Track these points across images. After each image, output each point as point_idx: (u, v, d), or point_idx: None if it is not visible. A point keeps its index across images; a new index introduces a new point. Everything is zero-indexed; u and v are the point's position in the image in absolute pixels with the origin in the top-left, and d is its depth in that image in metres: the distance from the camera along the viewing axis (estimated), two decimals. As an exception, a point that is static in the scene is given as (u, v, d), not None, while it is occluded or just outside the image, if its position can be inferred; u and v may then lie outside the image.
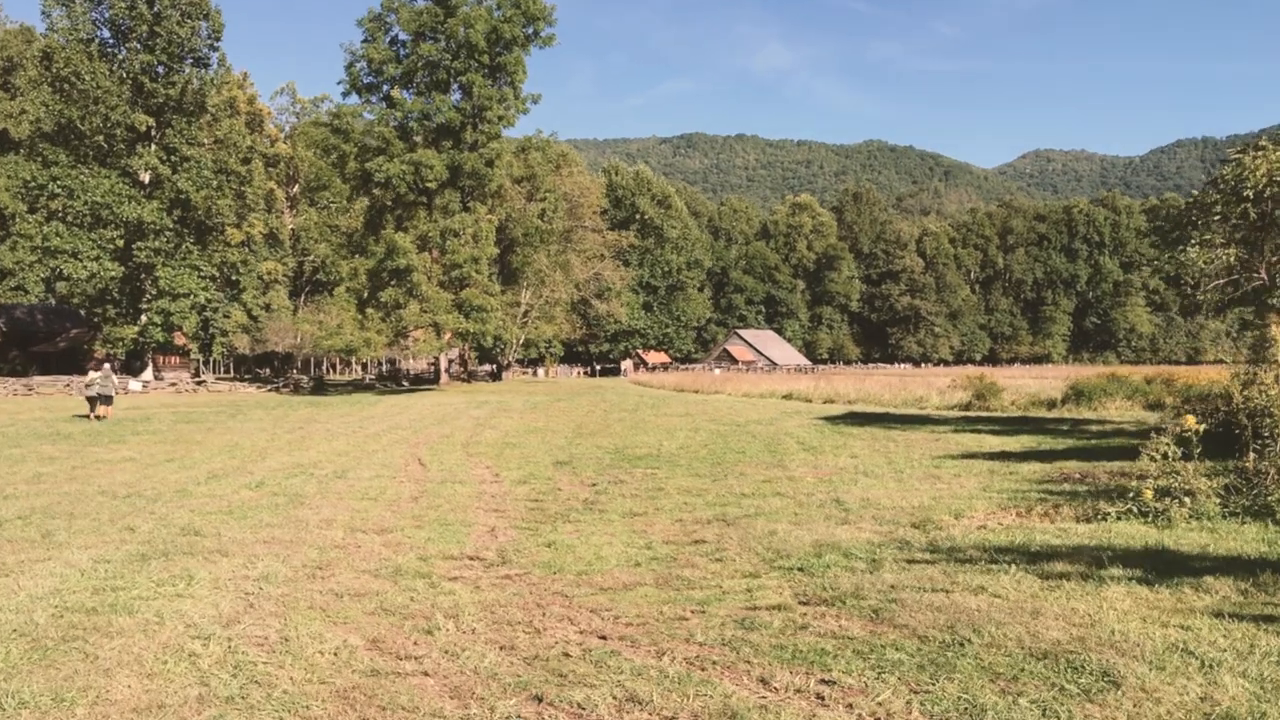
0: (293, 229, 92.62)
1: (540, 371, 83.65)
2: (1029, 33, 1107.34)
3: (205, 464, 18.20)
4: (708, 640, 6.10)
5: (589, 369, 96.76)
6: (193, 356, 64.24)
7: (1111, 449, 17.43)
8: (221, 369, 77.95)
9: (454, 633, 6.43)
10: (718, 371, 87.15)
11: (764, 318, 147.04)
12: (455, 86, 54.52)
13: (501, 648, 6.06)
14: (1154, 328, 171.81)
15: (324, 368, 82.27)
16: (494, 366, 67.97)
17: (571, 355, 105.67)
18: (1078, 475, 13.59)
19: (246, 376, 70.96)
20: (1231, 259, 16.47)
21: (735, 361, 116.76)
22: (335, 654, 5.97)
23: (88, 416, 30.40)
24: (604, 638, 6.26)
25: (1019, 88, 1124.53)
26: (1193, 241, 17.22)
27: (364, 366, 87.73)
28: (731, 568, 8.38)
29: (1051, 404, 29.81)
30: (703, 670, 5.51)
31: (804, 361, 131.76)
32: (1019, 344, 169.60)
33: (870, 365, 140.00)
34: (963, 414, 28.19)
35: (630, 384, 61.16)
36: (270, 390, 55.45)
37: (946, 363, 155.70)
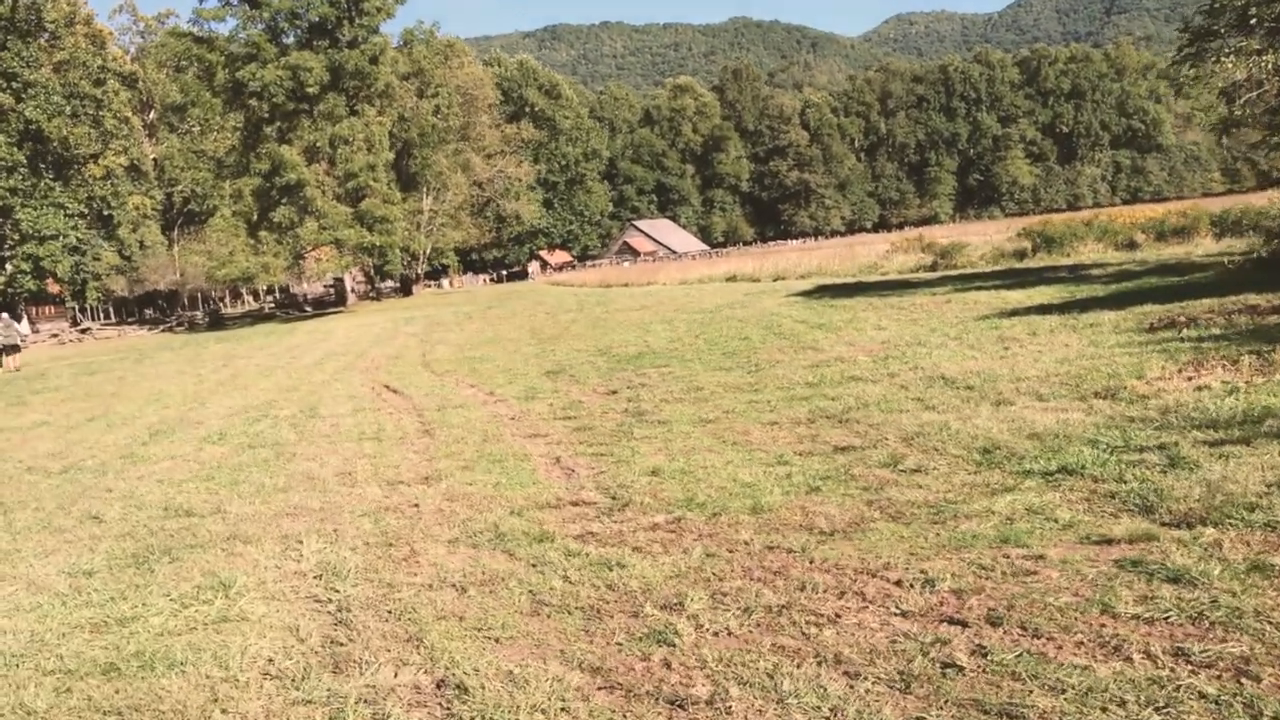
0: (155, 159, 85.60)
1: (445, 283, 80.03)
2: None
3: (138, 419, 15.43)
4: (1127, 611, 4.09)
5: (494, 276, 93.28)
6: (68, 304, 58.94)
7: (1166, 288, 16.00)
8: (101, 315, 72.22)
9: (711, 642, 4.30)
10: (626, 264, 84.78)
11: (656, 206, 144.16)
12: (325, -23, 49.64)
13: (848, 674, 3.88)
14: (1035, 179, 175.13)
15: (214, 301, 77.09)
16: (401, 282, 64.30)
17: (470, 264, 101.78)
18: (1184, 319, 11.99)
19: (131, 320, 65.83)
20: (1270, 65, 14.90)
21: (637, 254, 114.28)
22: (566, 710, 3.80)
23: None
24: (961, 624, 4.18)
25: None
26: (1226, 51, 15.61)
27: (255, 296, 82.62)
28: (948, 480, 6.40)
29: (1021, 254, 28.62)
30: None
31: (702, 247, 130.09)
32: (907, 207, 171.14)
33: (772, 244, 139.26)
34: (942, 274, 26.75)
35: (547, 285, 58.44)
36: (163, 331, 51.15)
37: (839, 233, 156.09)
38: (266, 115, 50.44)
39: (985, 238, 37.22)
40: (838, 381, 11.42)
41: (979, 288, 20.96)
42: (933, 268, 29.72)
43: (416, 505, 7.47)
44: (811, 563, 5.06)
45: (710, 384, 12.78)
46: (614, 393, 13.24)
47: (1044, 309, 15.59)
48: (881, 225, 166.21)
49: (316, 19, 49.02)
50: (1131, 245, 26.78)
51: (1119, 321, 12.82)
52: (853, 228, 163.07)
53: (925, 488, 6.24)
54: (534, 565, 5.62)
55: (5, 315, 31.70)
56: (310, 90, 47.65)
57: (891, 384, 10.66)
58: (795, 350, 14.96)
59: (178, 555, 6.61)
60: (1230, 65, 15.30)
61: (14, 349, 29.70)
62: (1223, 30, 16.23)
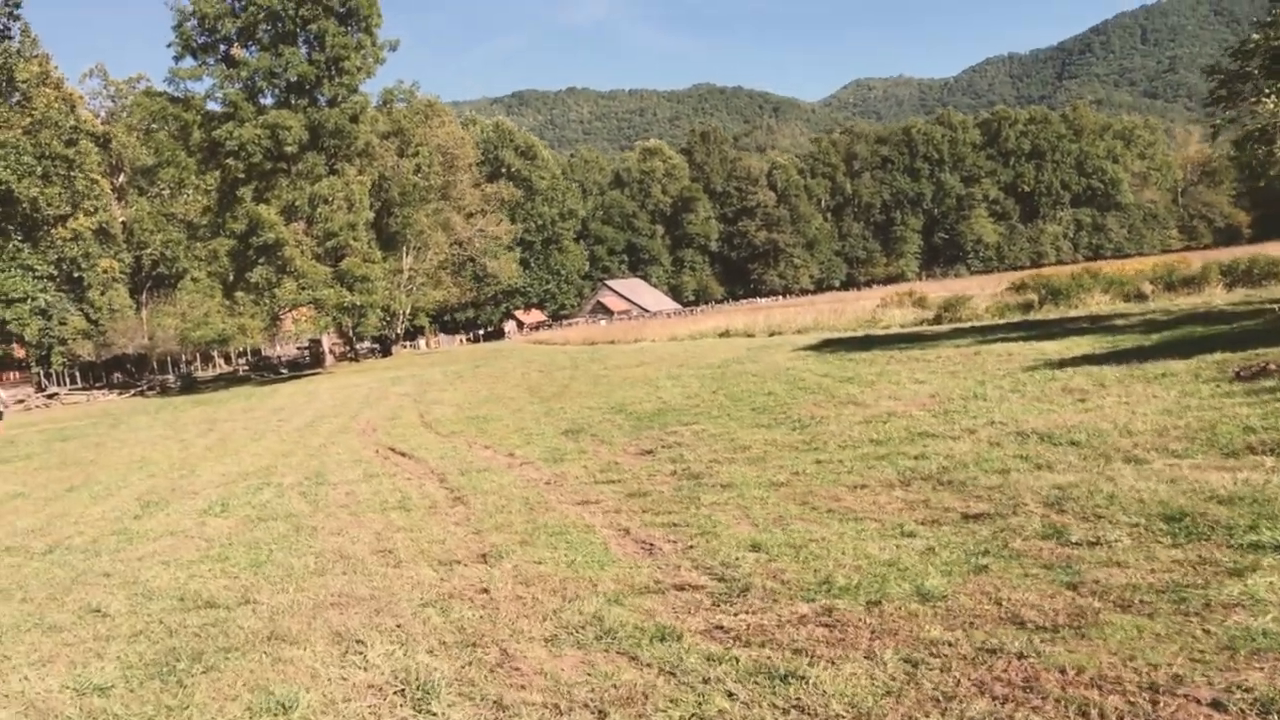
0: (124, 222, 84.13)
1: (422, 343, 78.60)
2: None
3: (124, 488, 14.16)
4: None
5: (470, 336, 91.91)
6: (34, 369, 57.00)
7: (1219, 336, 15.22)
8: (67, 379, 70.10)
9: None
10: (603, 323, 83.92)
11: (627, 266, 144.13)
12: (304, 37, 48.85)
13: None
14: (999, 237, 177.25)
15: (186, 365, 75.21)
16: (380, 342, 62.88)
17: (443, 324, 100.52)
18: (1273, 366, 11.13)
19: (99, 384, 63.84)
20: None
21: (610, 313, 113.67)
22: None
23: None
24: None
25: (836, 21, 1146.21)
26: (1266, 93, 15.08)
27: (226, 359, 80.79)
28: (1149, 555, 5.39)
29: (1027, 306, 27.96)
30: None
31: (673, 305, 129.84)
32: (874, 266, 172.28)
33: (743, 302, 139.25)
34: (952, 327, 25.98)
35: (528, 345, 57.35)
36: (134, 395, 49.37)
37: (808, 291, 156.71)
38: (243, 175, 49.35)
39: (988, 290, 36.65)
40: (906, 439, 10.46)
41: (1001, 339, 20.16)
42: (936, 321, 28.99)
43: (486, 591, 6.36)
44: (1064, 673, 4.01)
45: (755, 442, 11.82)
46: (649, 453, 12.26)
47: (1093, 359, 14.77)
48: (850, 283, 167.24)
49: (295, 78, 48.22)
50: (1140, 296, 26.19)
51: (1196, 370, 11.97)
52: (821, 286, 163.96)
53: (1130, 566, 5.23)
54: (672, 674, 4.54)
55: None
56: (289, 149, 46.68)
57: (975, 440, 9.70)
58: (835, 405, 14.00)
59: (211, 662, 5.45)
60: (1272, 105, 14.72)
61: None
62: (1256, 72, 15.72)
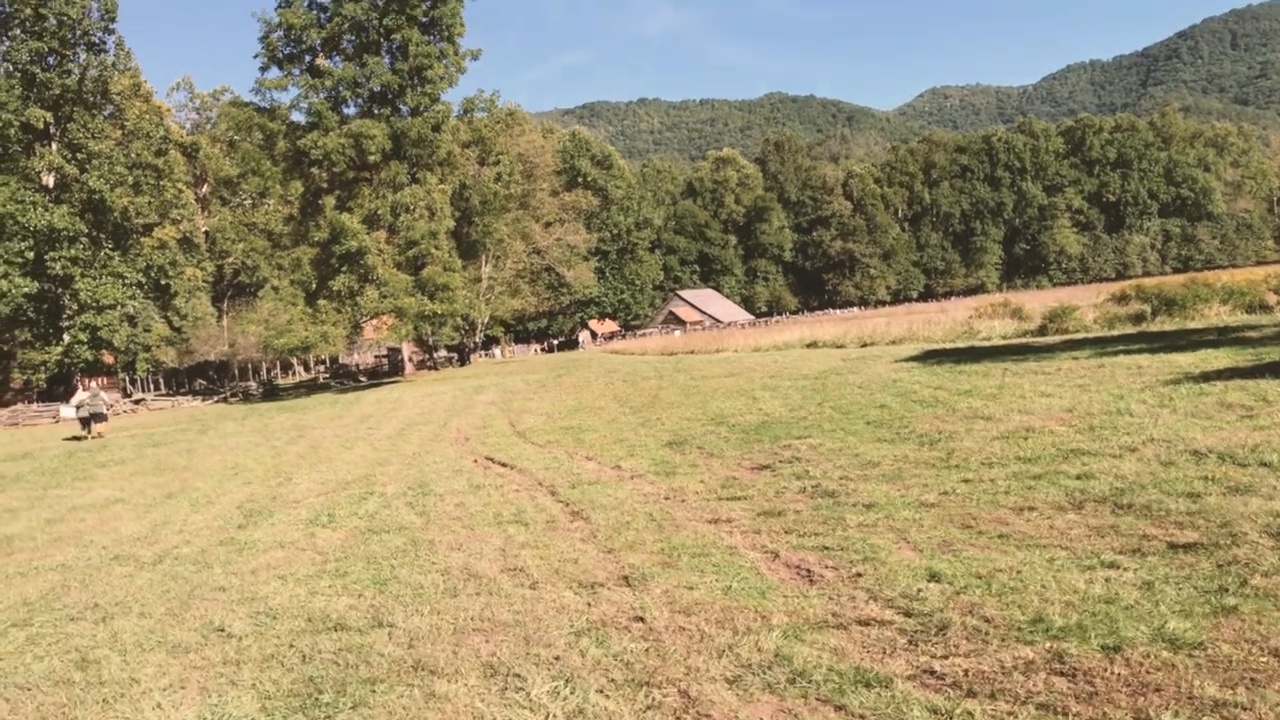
0: (206, 231, 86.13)
1: (497, 352, 78.82)
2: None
3: (222, 495, 13.90)
4: None
5: (544, 345, 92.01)
6: (120, 375, 58.24)
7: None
8: (151, 386, 71.66)
9: None
10: (677, 333, 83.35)
11: (699, 276, 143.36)
12: (387, 47, 49.21)
13: None
14: (1082, 248, 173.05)
15: (265, 371, 76.47)
16: (458, 351, 63.08)
17: (516, 334, 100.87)
18: None
19: (182, 390, 65.06)
20: None
21: (683, 323, 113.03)
22: None
23: (83, 437, 29.58)
24: None
25: (911, 28, 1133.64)
26: None
27: (305, 366, 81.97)
28: None
29: (1139, 317, 26.63)
30: None
31: (746, 316, 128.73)
32: (953, 277, 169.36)
33: (819, 313, 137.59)
34: (1063, 339, 24.83)
35: (605, 354, 56.94)
36: (218, 401, 50.01)
37: (884, 303, 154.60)
38: (326, 184, 49.83)
39: (1084, 301, 35.27)
40: (1058, 457, 9.66)
41: (1123, 351, 19.09)
42: (1040, 332, 27.81)
43: (641, 619, 5.78)
44: None
45: (883, 458, 11.13)
46: (766, 468, 11.63)
47: (1241, 373, 13.74)
48: (928, 295, 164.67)
49: (378, 87, 48.54)
50: (1264, 307, 24.79)
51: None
52: (898, 297, 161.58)
53: None
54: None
55: (94, 385, 33.24)
56: (372, 158, 46.95)
57: (1141, 460, 8.87)
58: (960, 419, 13.20)
59: (357, 696, 4.94)
60: None
61: (102, 417, 30.17)
62: None
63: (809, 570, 6.69)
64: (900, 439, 12.45)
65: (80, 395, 31.08)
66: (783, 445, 13.19)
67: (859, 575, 6.32)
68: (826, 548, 7.26)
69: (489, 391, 31.97)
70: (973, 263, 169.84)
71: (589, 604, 6.24)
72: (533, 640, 5.56)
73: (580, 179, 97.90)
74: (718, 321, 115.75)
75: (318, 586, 7.49)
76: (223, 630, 6.43)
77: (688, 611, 5.85)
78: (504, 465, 14.42)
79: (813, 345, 35.61)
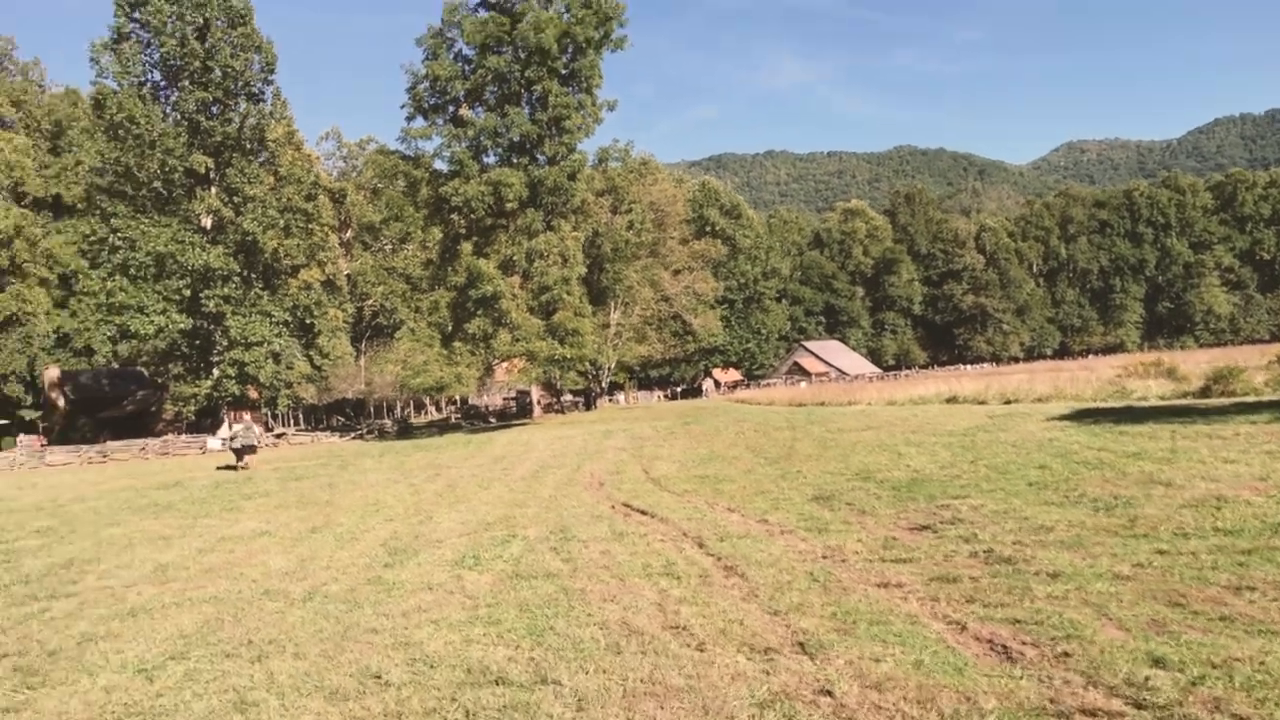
0: (348, 274, 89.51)
1: (621, 398, 79.09)
2: (1050, 27, 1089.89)
3: (366, 533, 13.94)
4: None
5: (668, 392, 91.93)
6: (262, 409, 60.51)
7: None
8: (290, 420, 74.32)
9: None
10: (803, 384, 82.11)
11: (824, 328, 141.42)
12: (528, 98, 50.42)
13: None
14: (1232, 307, 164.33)
15: (400, 410, 78.46)
16: (584, 395, 63.54)
17: (639, 380, 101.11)
18: None
19: (321, 426, 67.18)
20: None
21: (808, 374, 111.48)
22: None
23: (234, 468, 30.96)
24: None
25: (1046, 82, 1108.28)
26: None
27: (437, 406, 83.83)
28: None
29: (1319, 384, 24.74)
30: None
31: (873, 369, 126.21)
32: (1090, 335, 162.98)
33: (949, 368, 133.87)
34: (1234, 401, 23.21)
35: (732, 404, 56.35)
36: (354, 438, 51.38)
37: (1017, 359, 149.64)
38: (465, 230, 51.09)
39: (1255, 363, 32.99)
40: (1265, 530, 8.80)
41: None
42: (1203, 393, 26.10)
43: (829, 693, 5.32)
44: None
45: (1056, 522, 10.38)
46: (926, 529, 10.99)
47: None
48: (1063, 352, 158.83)
49: (518, 137, 49.68)
50: None
51: None
52: (1031, 354, 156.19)
53: None
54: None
55: (247, 418, 34.71)
56: (509, 205, 47.96)
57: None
58: (1135, 484, 12.29)
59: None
60: None
61: (252, 449, 31.50)
62: None
63: (1005, 646, 6.11)
64: (1070, 502, 11.66)
65: (235, 427, 32.86)
66: (940, 505, 12.51)
67: (1065, 655, 5.72)
68: (1018, 621, 6.66)
69: (618, 437, 31.82)
70: (1111, 320, 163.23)
71: (766, 671, 5.80)
72: (712, 710, 5.15)
73: (709, 228, 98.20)
74: (843, 374, 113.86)
75: (472, 634, 7.25)
76: (379, 677, 6.22)
77: (879, 687, 5.35)
78: (643, 513, 14.08)
79: (952, 400, 34.37)
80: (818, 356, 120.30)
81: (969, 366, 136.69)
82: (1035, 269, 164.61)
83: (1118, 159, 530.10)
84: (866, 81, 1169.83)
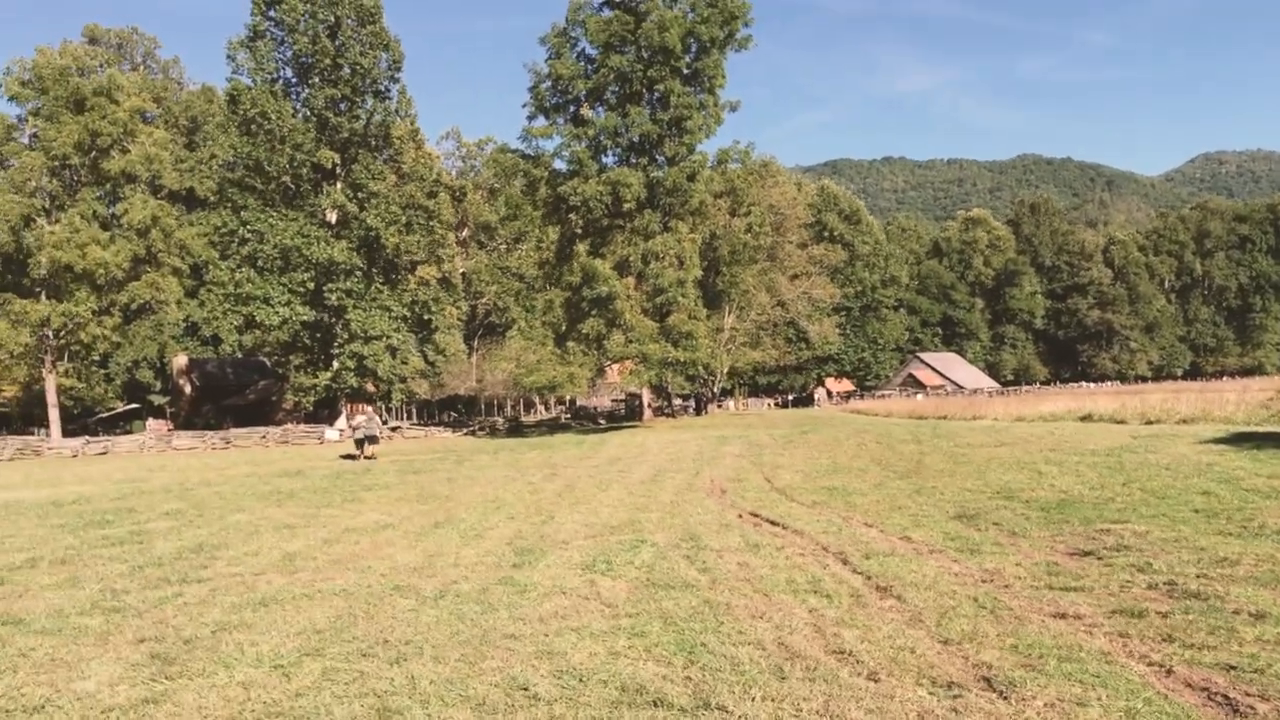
0: (463, 273, 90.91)
1: (730, 404, 78.35)
2: (1187, 30, 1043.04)
3: (489, 530, 13.67)
4: None
5: (778, 400, 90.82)
6: (377, 402, 61.75)
7: None
8: (403, 415, 75.83)
9: None
10: (919, 397, 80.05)
11: (941, 340, 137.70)
12: (649, 98, 50.17)
13: None
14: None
15: (510, 408, 79.29)
16: (695, 400, 63.12)
17: (750, 387, 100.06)
18: None
19: (433, 421, 68.31)
20: None
21: (923, 386, 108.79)
22: None
23: (356, 457, 31.66)
24: None
25: (1181, 89, 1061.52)
26: None
27: (546, 406, 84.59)
28: None
29: None
30: None
31: (991, 384, 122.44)
32: (1225, 355, 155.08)
33: (1074, 385, 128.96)
34: None
35: (847, 414, 55.20)
36: (466, 434, 51.95)
37: (1144, 379, 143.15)
38: (581, 230, 51.11)
39: None
40: None
41: None
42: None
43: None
44: None
45: (1240, 555, 9.42)
46: (1089, 554, 10.15)
47: None
48: (1194, 373, 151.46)
49: (638, 137, 49.45)
50: None
51: None
52: (1160, 374, 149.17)
53: None
54: None
55: (369, 409, 35.99)
56: (627, 206, 47.74)
57: None
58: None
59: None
60: None
61: (374, 439, 32.27)
62: None
63: (1226, 696, 5.34)
64: (1250, 534, 10.64)
65: (358, 418, 33.61)
66: (1098, 529, 11.58)
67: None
68: (1232, 667, 5.86)
69: (734, 443, 31.18)
70: (1249, 341, 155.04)
71: (955, 710, 5.16)
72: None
73: (827, 233, 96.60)
74: (960, 387, 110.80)
75: (617, 646, 6.77)
76: (526, 690, 5.78)
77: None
78: (774, 524, 13.45)
79: (1087, 419, 32.75)
80: (933, 369, 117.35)
81: (1091, 385, 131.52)
82: (1167, 285, 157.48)
83: (1259, 171, 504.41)
84: (990, 88, 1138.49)
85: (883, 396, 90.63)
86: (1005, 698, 5.34)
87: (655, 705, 5.37)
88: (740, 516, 14.46)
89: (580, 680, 5.92)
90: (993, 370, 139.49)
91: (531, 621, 7.67)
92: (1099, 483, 16.03)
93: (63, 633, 7.94)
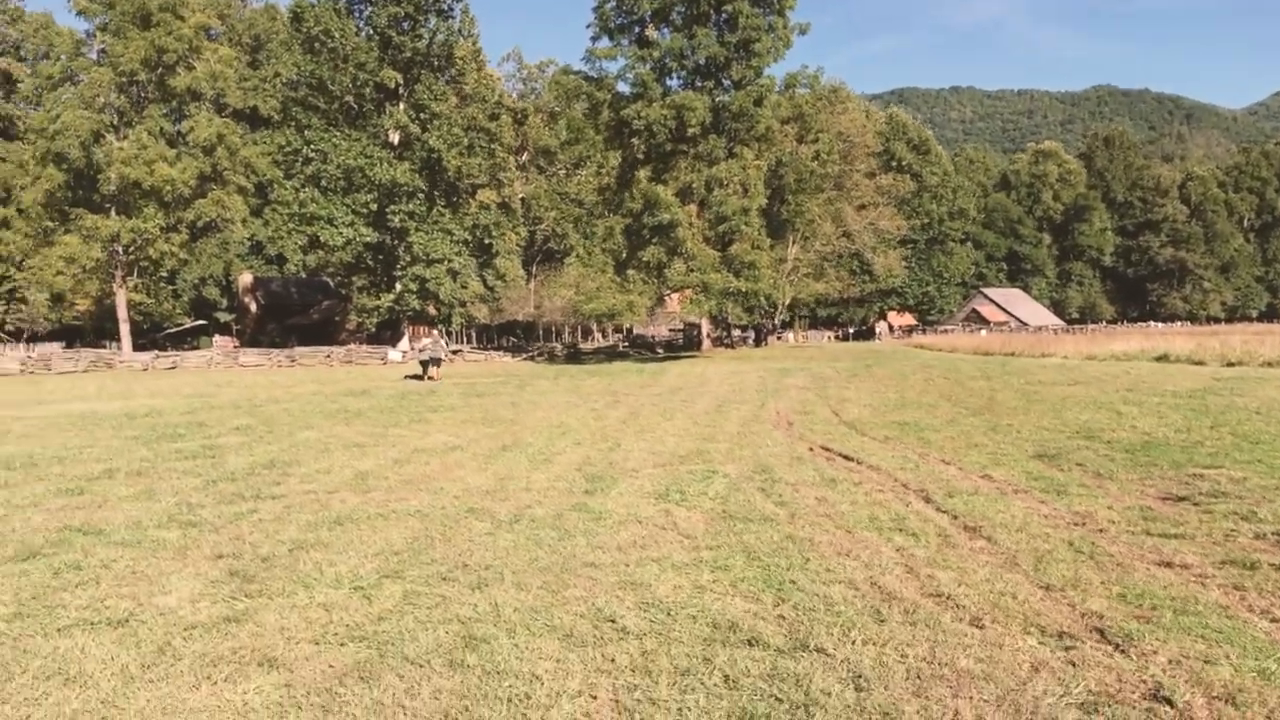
0: (523, 198, 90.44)
1: (790, 336, 77.61)
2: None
3: (557, 455, 13.55)
4: None
5: (838, 333, 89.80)
6: (438, 325, 62.18)
7: None
8: (464, 339, 76.28)
9: None
10: (983, 333, 78.63)
11: (1006, 275, 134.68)
12: (716, 19, 48.82)
13: None
14: None
15: (568, 335, 79.41)
16: (755, 331, 62.57)
17: (810, 318, 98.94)
18: None
19: (492, 346, 68.69)
20: None
21: (987, 322, 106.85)
22: None
23: (421, 377, 32.25)
24: None
25: (1268, 18, 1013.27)
26: None
27: (603, 334, 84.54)
28: None
29: None
30: None
31: (1056, 321, 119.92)
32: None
33: (1142, 324, 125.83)
34: None
35: (910, 348, 54.36)
36: (525, 359, 52.14)
37: (1217, 320, 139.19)
38: (643, 155, 50.30)
39: None
40: None
41: None
42: None
43: (1167, 701, 4.33)
44: None
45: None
46: (1183, 500, 9.68)
47: None
48: (1270, 314, 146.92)
49: (704, 60, 48.29)
50: None
51: None
52: (1234, 315, 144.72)
53: None
54: None
55: (435, 332, 37.00)
56: (691, 131, 46.80)
57: None
58: None
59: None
60: None
61: (438, 362, 32.85)
62: None
63: None
64: (1361, 483, 10.10)
65: (423, 340, 34.72)
66: (1190, 474, 11.08)
67: None
68: None
69: (796, 375, 30.78)
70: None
71: (1072, 664, 4.85)
72: (1024, 711, 4.26)
73: (895, 162, 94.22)
74: (1024, 324, 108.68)
75: (701, 579, 6.55)
76: (614, 622, 5.58)
77: (1231, 700, 4.34)
78: (848, 459, 13.11)
79: (1163, 359, 31.78)
80: (998, 304, 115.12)
81: (1160, 324, 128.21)
82: (1246, 223, 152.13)
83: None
84: (1064, 16, 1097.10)
85: (945, 331, 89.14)
86: (1123, 651, 5.02)
87: (750, 644, 5.14)
88: (811, 450, 14.16)
89: (668, 614, 5.71)
90: (1058, 308, 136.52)
91: (610, 550, 7.49)
92: (1184, 425, 15.43)
93: (141, 545, 7.93)
